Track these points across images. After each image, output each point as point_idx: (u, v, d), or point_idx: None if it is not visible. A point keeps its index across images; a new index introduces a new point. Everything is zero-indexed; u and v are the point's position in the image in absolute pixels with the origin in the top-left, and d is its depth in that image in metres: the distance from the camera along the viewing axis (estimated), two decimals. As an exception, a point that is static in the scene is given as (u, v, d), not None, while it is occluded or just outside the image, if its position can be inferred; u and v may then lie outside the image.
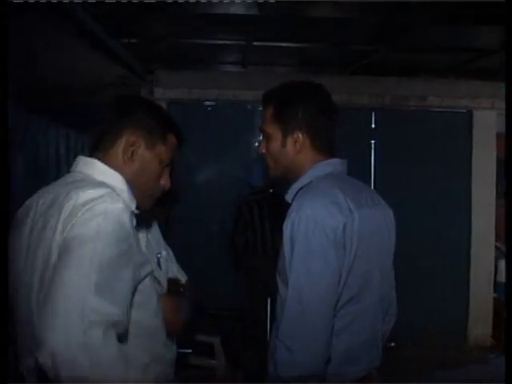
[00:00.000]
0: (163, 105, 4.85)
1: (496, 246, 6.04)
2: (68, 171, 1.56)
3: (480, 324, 5.71)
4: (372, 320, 1.77)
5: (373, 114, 5.62)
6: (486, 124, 5.61)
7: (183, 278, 1.89)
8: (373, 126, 5.64)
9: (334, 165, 1.80)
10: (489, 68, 5.14)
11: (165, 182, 1.64)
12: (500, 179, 5.77)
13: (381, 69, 5.30)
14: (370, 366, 1.79)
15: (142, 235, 1.67)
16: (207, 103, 5.54)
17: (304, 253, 1.60)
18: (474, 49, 4.65)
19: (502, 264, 5.88)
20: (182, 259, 1.96)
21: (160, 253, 1.77)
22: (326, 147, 1.81)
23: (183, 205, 5.07)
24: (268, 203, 4.78)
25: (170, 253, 1.89)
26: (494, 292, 5.82)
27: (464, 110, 5.64)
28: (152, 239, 1.76)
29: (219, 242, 5.30)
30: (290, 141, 1.79)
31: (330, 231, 1.60)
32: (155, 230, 1.82)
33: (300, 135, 1.78)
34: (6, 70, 1.34)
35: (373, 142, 5.62)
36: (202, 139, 5.38)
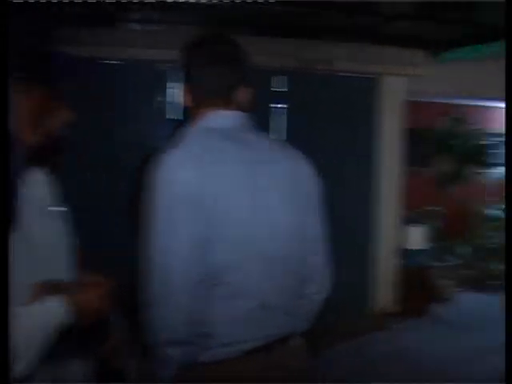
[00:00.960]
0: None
1: (401, 213, 6.51)
2: None
3: (386, 290, 6.16)
4: (263, 285, 1.74)
5: (279, 76, 5.73)
6: (395, 90, 5.94)
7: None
8: (281, 89, 5.77)
9: (220, 117, 1.79)
10: (399, 34, 5.43)
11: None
12: (407, 147, 6.21)
13: (290, 30, 5.40)
14: (271, 334, 1.77)
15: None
16: (114, 62, 5.36)
17: (155, 212, 1.65)
18: (384, 14, 4.88)
19: (410, 231, 6.37)
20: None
21: None
22: (213, 98, 1.80)
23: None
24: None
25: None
26: (399, 258, 6.28)
27: (372, 76, 5.92)
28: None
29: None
30: (184, 94, 1.85)
31: (178, 186, 1.63)
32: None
33: (187, 87, 1.83)
34: (7, 69, 1.33)
35: (279, 105, 5.76)
36: (110, 99, 5.24)
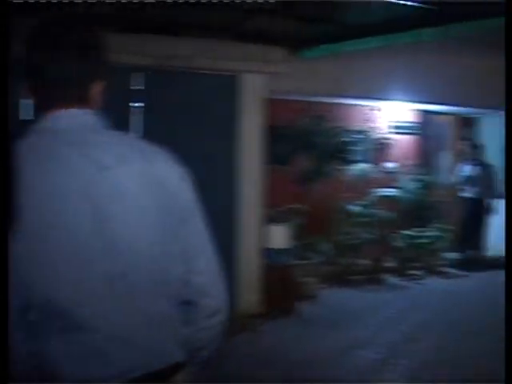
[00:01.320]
0: None
1: (263, 212, 6.61)
2: None
3: (249, 291, 6.24)
4: (110, 313, 1.49)
5: (137, 74, 5.61)
6: (254, 88, 6.02)
7: None
8: (139, 87, 5.64)
9: (65, 117, 1.57)
10: (259, 30, 5.51)
11: None
12: (268, 145, 6.31)
13: (148, 26, 5.31)
14: (126, 369, 1.50)
15: None
16: None
17: None
18: (244, 10, 4.93)
19: (272, 230, 6.48)
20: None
21: None
22: (59, 94, 1.57)
23: None
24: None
25: None
26: (262, 258, 6.38)
27: (232, 73, 5.96)
28: None
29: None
30: (28, 89, 1.61)
31: None
32: None
33: (30, 81, 1.60)
34: (7, 69, 1.30)
35: (138, 104, 5.63)
36: None
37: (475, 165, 9.04)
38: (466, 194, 9.13)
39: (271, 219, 6.89)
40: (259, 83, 6.05)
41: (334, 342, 5.58)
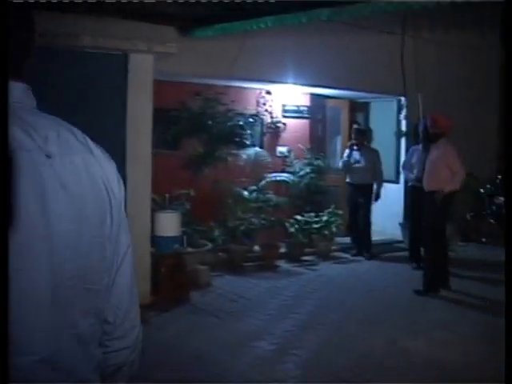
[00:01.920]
0: None
1: (152, 199, 6.54)
2: None
3: (139, 281, 6.13)
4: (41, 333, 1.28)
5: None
6: (143, 68, 5.90)
7: None
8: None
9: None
10: (147, 9, 5.40)
11: None
12: (158, 128, 6.23)
13: (32, 2, 5.04)
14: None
15: None
16: None
17: None
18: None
19: (159, 217, 6.42)
20: None
21: None
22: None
23: None
24: None
25: None
26: (152, 246, 6.32)
27: (119, 52, 5.81)
28: None
29: None
30: None
31: None
32: None
33: None
34: (6, 70, 1.29)
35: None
36: None
37: (359, 150, 9.11)
38: (350, 180, 9.23)
39: (161, 206, 6.84)
40: (148, 63, 5.94)
41: (229, 332, 5.60)
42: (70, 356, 1.34)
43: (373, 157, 9.14)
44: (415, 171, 8.12)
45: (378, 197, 9.17)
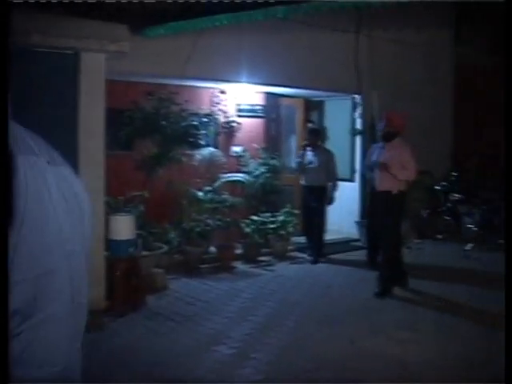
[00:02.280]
0: None
1: (106, 201, 6.48)
2: None
3: (93, 286, 6.09)
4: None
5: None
6: (94, 67, 5.82)
7: None
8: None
9: None
10: (99, 6, 5.36)
11: None
12: (111, 129, 6.16)
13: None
14: None
15: None
16: None
17: None
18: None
19: (113, 220, 6.37)
20: None
21: None
22: None
23: None
24: None
25: None
26: (106, 250, 6.26)
27: (70, 51, 5.73)
28: None
29: None
30: None
31: None
32: None
33: None
34: (6, 70, 1.16)
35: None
36: None
37: (313, 150, 8.97)
38: (304, 181, 9.10)
39: (115, 209, 6.79)
40: (99, 63, 5.87)
41: (187, 336, 5.59)
42: (77, 369, 1.32)
43: (327, 158, 9.02)
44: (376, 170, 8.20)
45: (331, 200, 9.11)
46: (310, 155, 9.00)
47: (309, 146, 9.03)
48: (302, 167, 9.10)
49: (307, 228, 9.25)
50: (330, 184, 9.02)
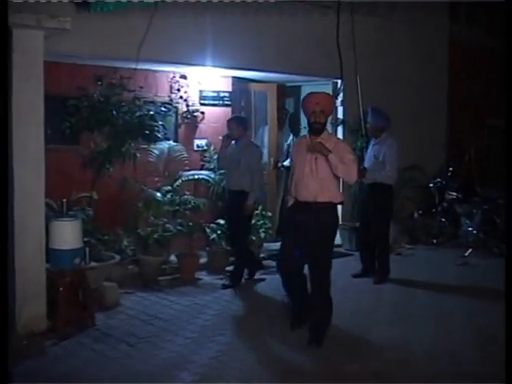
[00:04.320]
0: None
1: (47, 204, 6.33)
2: None
3: (31, 304, 5.92)
4: None
5: None
6: (31, 47, 5.68)
7: None
8: None
9: None
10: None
11: None
12: (51, 120, 6.02)
13: None
14: None
15: None
16: None
17: None
18: None
19: (55, 227, 6.20)
20: None
21: None
22: None
23: None
24: None
25: None
26: (47, 261, 6.10)
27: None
28: None
29: None
30: None
31: None
32: None
33: None
34: (7, 69, 1.18)
35: None
36: None
37: (236, 144, 8.13)
38: (227, 185, 8.43)
39: (57, 213, 6.64)
40: (37, 41, 5.72)
41: (143, 361, 5.46)
42: None
43: (251, 155, 8.05)
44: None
45: (249, 217, 8.25)
46: (231, 151, 8.18)
47: (231, 139, 8.16)
48: (222, 165, 8.47)
49: (230, 242, 8.57)
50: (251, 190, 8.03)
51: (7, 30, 1.08)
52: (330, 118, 6.74)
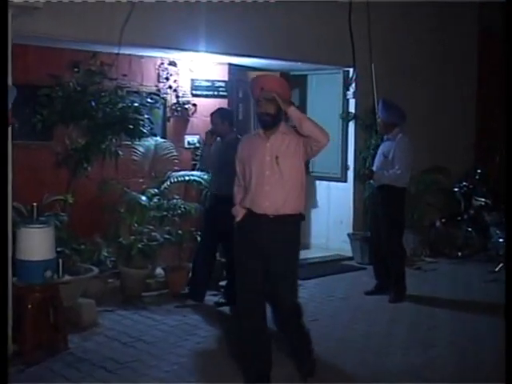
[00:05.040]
0: None
1: (14, 208, 6.30)
2: None
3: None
4: None
5: None
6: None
7: None
8: None
9: None
10: None
11: None
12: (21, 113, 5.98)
13: None
14: None
15: None
16: None
17: None
18: None
19: (23, 234, 6.15)
20: None
21: None
22: None
23: None
24: None
25: None
26: (13, 275, 6.06)
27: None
28: None
29: None
30: None
31: None
32: None
33: None
34: (6, 69, 1.17)
35: None
36: None
37: (221, 142, 7.94)
38: (211, 188, 8.20)
39: (26, 218, 6.59)
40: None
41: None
42: None
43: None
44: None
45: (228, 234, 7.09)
46: (215, 149, 8.03)
47: (215, 134, 8.00)
48: (205, 166, 8.42)
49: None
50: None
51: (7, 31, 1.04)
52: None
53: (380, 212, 8.28)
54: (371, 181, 8.15)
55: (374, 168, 8.35)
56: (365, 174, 7.71)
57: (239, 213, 5.56)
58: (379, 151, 8.46)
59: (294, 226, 5.45)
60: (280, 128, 5.43)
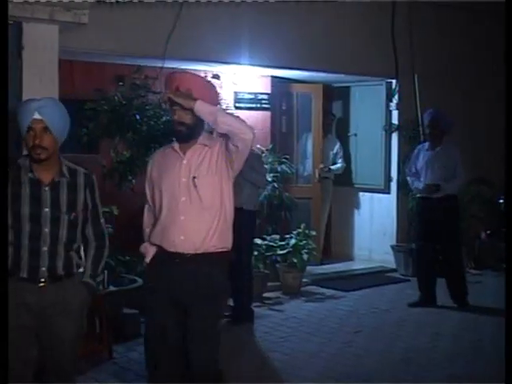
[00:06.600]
0: None
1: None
2: None
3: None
4: None
5: None
6: (43, 43, 5.78)
7: None
8: None
9: None
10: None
11: None
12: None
13: None
14: None
15: None
16: None
17: None
18: None
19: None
20: None
21: None
22: None
23: None
24: None
25: None
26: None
27: (10, 21, 5.63)
28: None
29: None
30: None
31: None
32: None
33: None
34: (6, 69, 1.29)
35: None
36: None
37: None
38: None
39: None
40: (51, 37, 5.79)
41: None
42: None
43: (252, 162, 6.63)
44: (422, 178, 8.25)
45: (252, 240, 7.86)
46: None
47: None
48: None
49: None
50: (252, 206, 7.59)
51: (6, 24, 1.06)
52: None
53: (443, 223, 8.22)
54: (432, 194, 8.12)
55: (425, 179, 8.28)
56: (431, 189, 7.80)
57: (148, 251, 4.55)
58: (422, 161, 8.37)
59: (218, 268, 4.28)
60: (200, 140, 4.34)
